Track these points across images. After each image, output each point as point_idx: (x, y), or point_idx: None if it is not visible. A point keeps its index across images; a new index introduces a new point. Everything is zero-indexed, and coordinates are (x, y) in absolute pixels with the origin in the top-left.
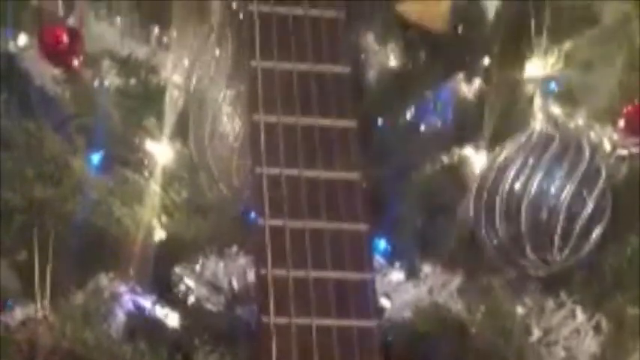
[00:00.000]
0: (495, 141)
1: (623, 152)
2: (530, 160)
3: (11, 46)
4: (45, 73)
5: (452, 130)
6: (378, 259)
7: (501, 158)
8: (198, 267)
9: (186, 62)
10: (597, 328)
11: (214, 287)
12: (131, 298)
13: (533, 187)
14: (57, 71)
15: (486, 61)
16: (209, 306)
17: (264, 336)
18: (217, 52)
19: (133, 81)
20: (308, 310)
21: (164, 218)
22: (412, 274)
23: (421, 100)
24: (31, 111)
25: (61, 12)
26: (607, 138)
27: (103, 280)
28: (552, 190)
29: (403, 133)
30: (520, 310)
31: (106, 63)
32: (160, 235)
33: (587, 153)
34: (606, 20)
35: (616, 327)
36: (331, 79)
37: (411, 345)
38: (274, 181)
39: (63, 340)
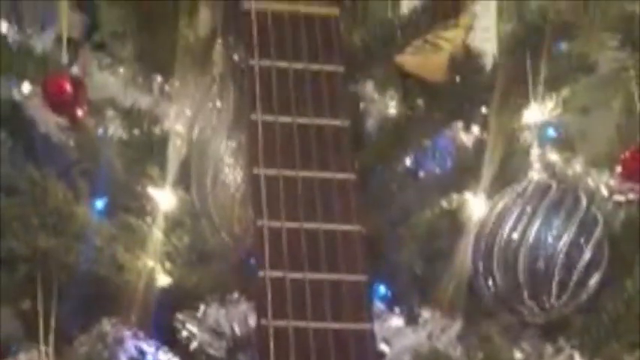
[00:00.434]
0: (494, 188)
1: (621, 198)
2: (528, 209)
3: (15, 94)
4: (49, 121)
5: (451, 176)
6: (378, 305)
7: (499, 207)
8: (200, 313)
9: (188, 112)
10: None
11: (216, 333)
12: (134, 344)
13: (531, 235)
14: (61, 119)
15: (484, 109)
16: (211, 351)
17: None
18: (219, 103)
19: (136, 131)
20: None
21: (167, 264)
22: (411, 319)
23: (420, 148)
24: (35, 157)
25: (65, 60)
26: (604, 184)
27: (106, 325)
28: (550, 238)
29: (402, 179)
30: (518, 356)
31: (109, 112)
32: (162, 281)
33: (584, 202)
34: (602, 68)
35: None
36: (331, 133)
37: None
38: (275, 234)
39: None
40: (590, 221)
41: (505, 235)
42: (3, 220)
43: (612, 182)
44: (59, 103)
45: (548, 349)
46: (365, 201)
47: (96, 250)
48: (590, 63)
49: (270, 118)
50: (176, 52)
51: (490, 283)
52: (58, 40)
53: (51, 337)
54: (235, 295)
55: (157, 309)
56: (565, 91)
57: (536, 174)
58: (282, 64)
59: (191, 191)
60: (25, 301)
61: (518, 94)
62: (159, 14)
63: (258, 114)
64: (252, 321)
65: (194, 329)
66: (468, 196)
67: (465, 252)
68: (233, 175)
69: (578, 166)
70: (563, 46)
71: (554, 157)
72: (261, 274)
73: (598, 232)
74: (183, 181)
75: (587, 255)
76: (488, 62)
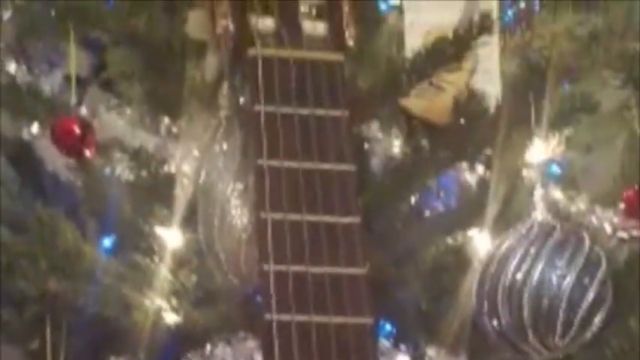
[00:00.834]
0: (498, 226)
1: (624, 235)
2: (532, 250)
3: (24, 134)
4: (57, 161)
5: (455, 215)
6: (384, 342)
7: (503, 248)
8: (207, 352)
9: (195, 153)
10: None
11: None
12: None
13: (535, 276)
14: (69, 160)
15: (488, 149)
16: None
17: None
18: (225, 146)
19: (143, 172)
20: None
21: (174, 302)
22: (417, 357)
23: (424, 187)
24: (44, 196)
25: (73, 100)
26: (608, 221)
27: None
28: (554, 278)
29: (407, 218)
30: None
31: (117, 152)
32: (169, 319)
33: (587, 243)
34: (605, 106)
35: None
36: (336, 177)
37: None
38: (281, 277)
39: None
40: (594, 262)
41: (509, 275)
42: (12, 258)
43: (615, 220)
44: (68, 145)
45: None
46: (370, 239)
47: (104, 290)
48: (593, 103)
49: (276, 163)
50: (183, 93)
51: (495, 322)
52: (67, 79)
53: None
54: (242, 334)
55: (165, 348)
56: (568, 130)
57: (539, 215)
58: (288, 109)
59: (198, 231)
60: (33, 341)
61: (521, 134)
62: (166, 56)
63: (264, 159)
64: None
65: None
66: (473, 233)
67: (470, 290)
68: (240, 216)
69: (581, 204)
70: (566, 86)
71: (557, 194)
72: (267, 316)
73: (601, 271)
74: (190, 220)
75: (590, 294)
76: (492, 104)
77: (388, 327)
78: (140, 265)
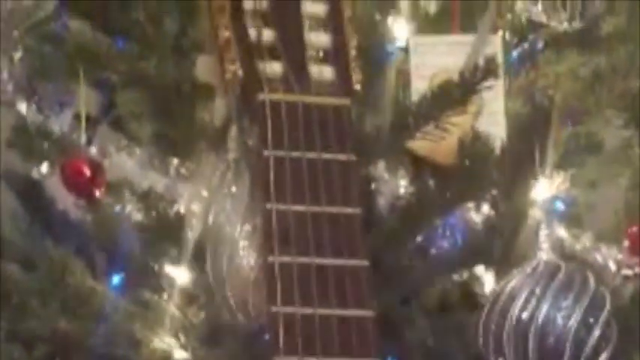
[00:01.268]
0: (504, 264)
1: (628, 272)
2: (538, 290)
3: (34, 173)
4: (67, 199)
5: (461, 253)
6: None
7: (509, 287)
8: None
9: (204, 193)
10: None
11: None
12: None
13: (541, 315)
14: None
15: (494, 190)
16: None
17: None
18: (234, 188)
19: (152, 213)
20: None
21: (182, 339)
22: None
23: (431, 227)
24: (53, 233)
25: (83, 140)
26: (612, 259)
27: None
28: (559, 318)
29: (413, 257)
30: None
31: (126, 193)
32: (178, 356)
33: (592, 282)
34: (609, 144)
35: None
36: (343, 220)
37: None
38: (289, 320)
39: None
40: (599, 301)
41: (515, 314)
42: (22, 296)
43: (620, 257)
44: (78, 186)
45: None
46: (376, 278)
47: (113, 328)
48: (597, 143)
49: (283, 206)
50: (192, 134)
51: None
52: (77, 117)
53: None
54: None
55: None
56: (572, 169)
57: (545, 255)
58: (296, 153)
59: (207, 271)
60: None
61: (526, 174)
62: (175, 98)
63: (272, 203)
64: None
65: None
66: (479, 270)
67: (476, 330)
68: (248, 257)
69: (586, 242)
70: (570, 126)
71: (562, 232)
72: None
73: (606, 311)
74: (199, 259)
75: (596, 334)
76: (497, 145)
77: None
78: (149, 302)
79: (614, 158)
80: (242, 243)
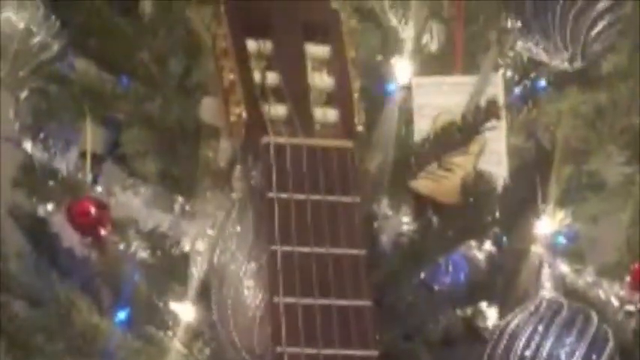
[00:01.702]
0: (507, 300)
1: (631, 308)
2: (540, 327)
3: (40, 211)
4: (73, 237)
5: (464, 290)
6: None
7: (512, 324)
8: None
9: (209, 231)
10: None
11: None
12: None
13: (544, 353)
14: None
15: (497, 228)
16: None
17: None
18: (238, 227)
19: (157, 252)
20: None
21: None
22: None
23: (434, 264)
24: (59, 269)
25: (88, 179)
26: (615, 294)
27: None
28: (562, 356)
29: (416, 292)
30: None
31: (131, 231)
32: None
33: (595, 320)
34: (611, 180)
35: None
36: (348, 262)
37: None
38: (294, 358)
39: None
40: (602, 339)
41: (519, 352)
42: (27, 332)
43: (622, 293)
44: (84, 226)
45: None
46: (380, 315)
47: None
48: (598, 181)
49: (288, 248)
50: (197, 173)
51: None
52: (82, 155)
53: None
54: None
55: None
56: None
57: (547, 292)
58: (300, 196)
59: (211, 308)
60: None
61: (528, 212)
62: (179, 137)
63: (277, 244)
64: None
65: None
66: (482, 306)
67: None
68: (252, 296)
69: (588, 278)
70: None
71: (564, 268)
72: None
73: (609, 348)
74: (204, 295)
75: None
76: (499, 184)
77: None
78: (154, 338)
79: (616, 193)
80: (247, 282)
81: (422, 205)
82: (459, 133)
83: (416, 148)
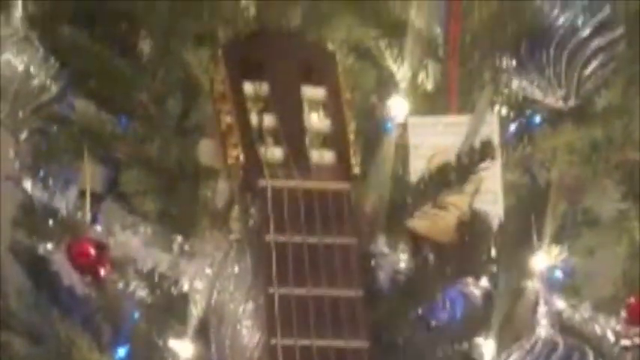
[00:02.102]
0: (504, 336)
1: (627, 343)
2: None
3: (40, 250)
4: (72, 275)
5: (461, 325)
6: None
7: None
8: None
9: (207, 271)
10: None
11: None
12: None
13: None
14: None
15: (493, 265)
16: None
17: None
18: (236, 268)
19: (157, 291)
20: None
21: None
22: None
23: (431, 300)
24: (59, 306)
25: (88, 218)
26: (611, 329)
27: None
28: None
29: (414, 329)
30: None
31: (131, 270)
32: None
33: (590, 357)
34: (606, 215)
35: None
36: (345, 303)
37: None
38: None
39: None
40: None
41: None
42: None
43: (618, 327)
44: (83, 266)
45: None
46: (378, 351)
47: None
48: (593, 217)
49: (285, 290)
50: (195, 212)
51: None
52: (82, 194)
53: None
54: None
55: None
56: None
57: (543, 331)
58: (297, 238)
59: (210, 346)
60: None
61: (524, 248)
62: (178, 177)
63: (274, 287)
64: None
65: None
66: (479, 341)
67: None
68: (250, 335)
69: (584, 313)
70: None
71: (560, 304)
72: None
73: None
74: (202, 334)
75: None
76: (495, 223)
77: None
78: None
79: (611, 227)
80: (245, 321)
81: (419, 243)
82: (454, 174)
83: (412, 189)
